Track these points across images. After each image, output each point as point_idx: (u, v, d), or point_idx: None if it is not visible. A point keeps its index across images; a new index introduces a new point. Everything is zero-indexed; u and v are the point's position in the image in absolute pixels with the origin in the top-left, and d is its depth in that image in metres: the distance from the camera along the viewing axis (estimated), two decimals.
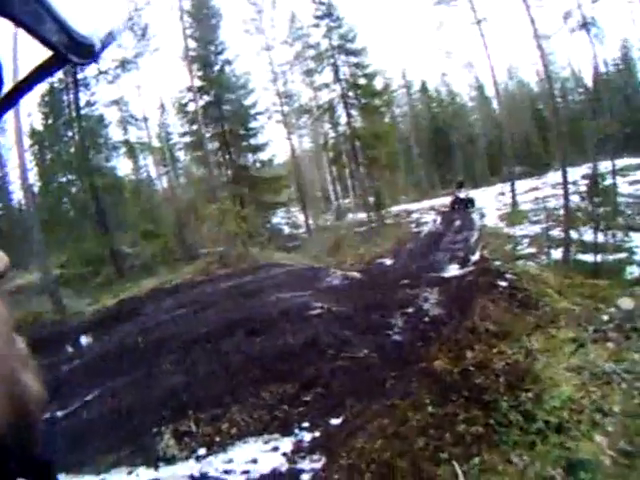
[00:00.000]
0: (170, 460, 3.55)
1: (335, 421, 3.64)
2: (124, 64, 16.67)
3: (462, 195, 19.24)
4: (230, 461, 3.30)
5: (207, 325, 6.62)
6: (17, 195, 18.05)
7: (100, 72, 16.18)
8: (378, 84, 22.76)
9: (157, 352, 6.16)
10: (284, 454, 3.24)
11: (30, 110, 16.33)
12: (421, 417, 3.66)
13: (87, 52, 0.40)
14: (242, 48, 34.78)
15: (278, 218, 20.74)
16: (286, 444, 3.36)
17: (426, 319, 6.39)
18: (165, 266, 14.06)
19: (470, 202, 18.99)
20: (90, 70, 15.71)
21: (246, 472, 3.12)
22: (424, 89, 34.99)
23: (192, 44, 18.00)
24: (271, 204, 19.43)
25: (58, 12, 0.37)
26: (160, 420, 4.21)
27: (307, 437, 3.42)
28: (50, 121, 16.36)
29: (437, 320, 6.32)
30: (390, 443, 3.33)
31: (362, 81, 21.31)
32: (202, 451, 3.56)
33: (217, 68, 18.77)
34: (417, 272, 9.43)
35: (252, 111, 19.98)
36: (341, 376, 4.49)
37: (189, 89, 18.01)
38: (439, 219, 17.85)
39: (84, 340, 8.12)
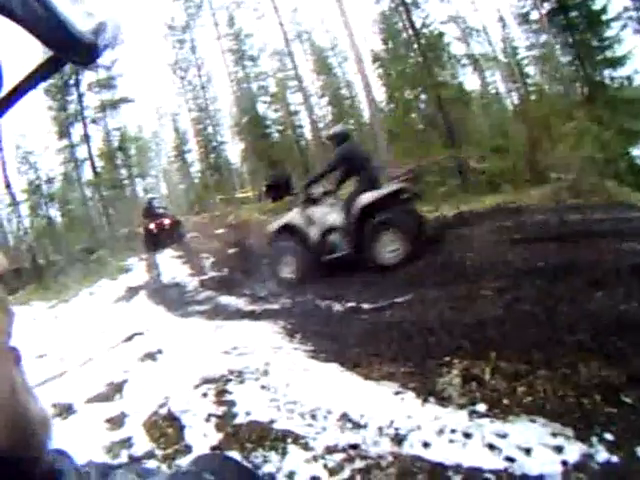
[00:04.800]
0: (442, 400, 3.03)
1: None
2: None
3: None
4: (504, 436, 2.66)
5: (544, 260, 5.60)
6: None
7: None
8: None
9: (481, 274, 5.69)
10: (564, 463, 2.35)
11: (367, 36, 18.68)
12: None
13: (87, 51, 0.40)
14: None
15: None
16: (573, 450, 2.38)
17: None
18: (511, 185, 13.23)
19: None
20: None
21: (510, 460, 2.45)
22: None
23: None
24: (634, 132, 15.11)
25: (58, 12, 0.36)
26: (456, 351, 3.68)
27: (600, 455, 2.29)
28: (390, 45, 17.81)
29: None
30: None
31: None
32: (481, 407, 3.01)
33: None
34: None
35: (603, 17, 15.77)
36: None
37: None
38: None
39: None
